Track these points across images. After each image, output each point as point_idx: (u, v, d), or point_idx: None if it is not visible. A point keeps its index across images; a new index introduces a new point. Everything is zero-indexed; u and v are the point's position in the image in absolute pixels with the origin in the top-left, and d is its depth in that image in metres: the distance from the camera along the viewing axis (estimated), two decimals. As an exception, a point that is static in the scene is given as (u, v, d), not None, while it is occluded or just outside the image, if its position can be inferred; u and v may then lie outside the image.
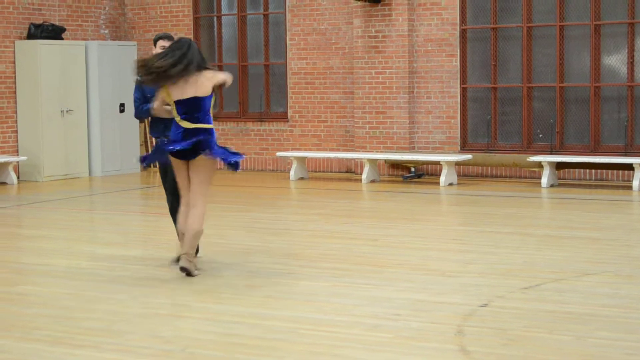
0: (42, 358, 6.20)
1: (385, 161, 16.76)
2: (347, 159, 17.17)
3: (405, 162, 16.62)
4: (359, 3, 16.80)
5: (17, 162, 17.09)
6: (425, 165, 16.82)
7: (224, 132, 18.42)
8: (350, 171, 17.40)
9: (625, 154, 15.44)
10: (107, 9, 19.22)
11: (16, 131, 17.40)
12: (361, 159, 16.55)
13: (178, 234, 8.90)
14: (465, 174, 16.59)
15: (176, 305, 7.73)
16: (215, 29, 18.88)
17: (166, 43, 8.88)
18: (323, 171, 17.63)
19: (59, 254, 9.83)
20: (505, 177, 16.37)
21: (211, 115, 8.71)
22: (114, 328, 6.96)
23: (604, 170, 15.66)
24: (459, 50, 16.66)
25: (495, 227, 11.58)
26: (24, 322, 7.18)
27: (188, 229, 8.53)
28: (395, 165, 16.93)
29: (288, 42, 17.86)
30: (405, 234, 11.24)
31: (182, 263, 8.54)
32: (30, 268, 9.59)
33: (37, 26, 17.48)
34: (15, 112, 17.36)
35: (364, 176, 16.13)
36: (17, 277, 9.15)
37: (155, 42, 9.16)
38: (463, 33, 16.61)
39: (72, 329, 6.94)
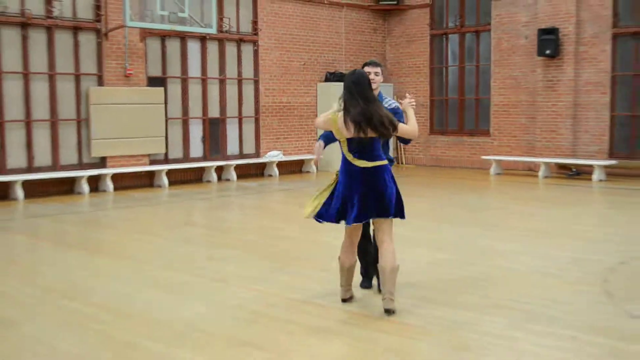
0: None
1: None
2: None
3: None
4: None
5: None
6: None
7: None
8: None
9: None
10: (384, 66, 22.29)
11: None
12: None
13: (342, 270, 7.86)
14: None
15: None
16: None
17: (371, 69, 7.81)
18: None
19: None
20: None
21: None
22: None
23: None
24: (609, 89, 19.94)
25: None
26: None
27: (384, 267, 7.34)
28: None
29: None
30: None
31: (386, 305, 7.37)
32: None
33: (331, 73, 22.59)
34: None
35: None
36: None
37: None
38: (613, 78, 19.95)
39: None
